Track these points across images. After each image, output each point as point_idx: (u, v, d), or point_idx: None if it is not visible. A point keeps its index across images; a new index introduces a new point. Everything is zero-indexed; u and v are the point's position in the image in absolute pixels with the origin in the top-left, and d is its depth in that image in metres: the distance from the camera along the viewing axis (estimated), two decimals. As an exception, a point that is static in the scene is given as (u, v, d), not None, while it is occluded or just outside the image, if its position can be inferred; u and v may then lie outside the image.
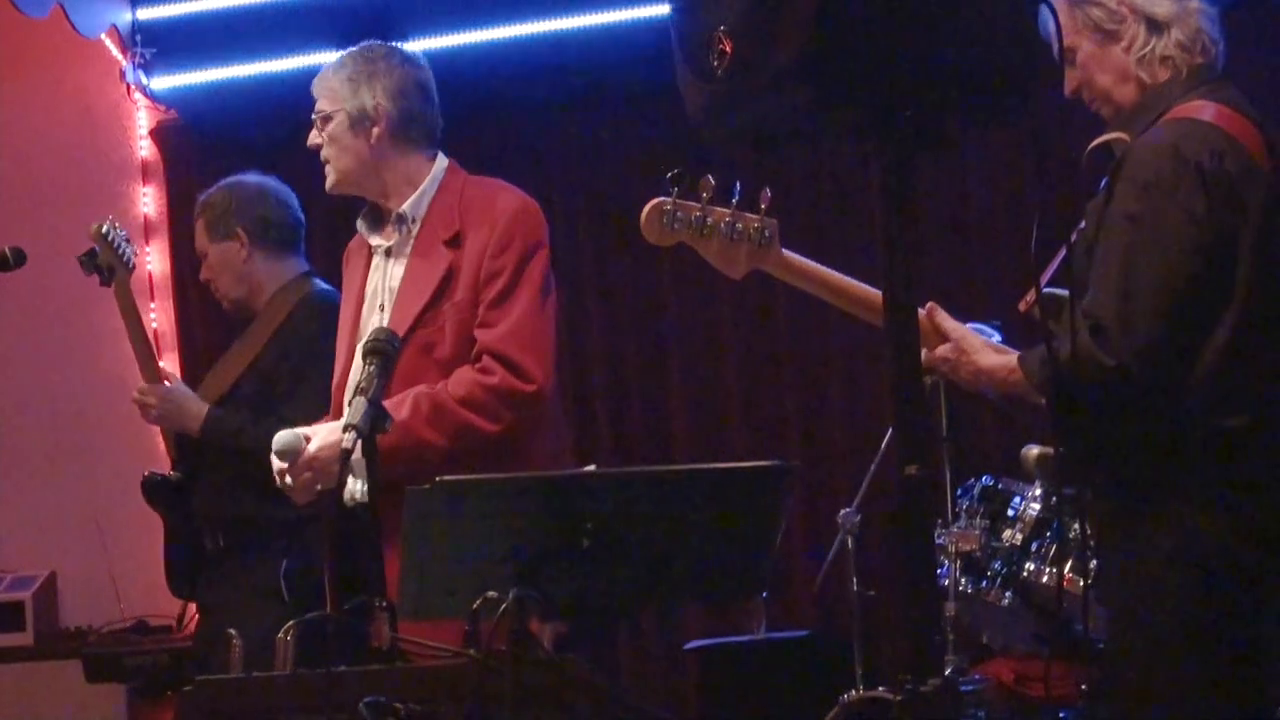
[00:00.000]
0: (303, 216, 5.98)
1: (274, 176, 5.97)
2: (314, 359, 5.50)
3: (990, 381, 4.24)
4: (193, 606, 6.06)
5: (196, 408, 5.65)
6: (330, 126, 4.99)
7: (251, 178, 5.99)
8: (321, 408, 5.13)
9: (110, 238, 5.65)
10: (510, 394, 4.74)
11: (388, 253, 5.04)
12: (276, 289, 5.82)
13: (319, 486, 4.83)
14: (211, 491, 5.64)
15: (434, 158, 5.07)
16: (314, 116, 5.06)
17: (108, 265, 5.67)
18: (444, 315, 4.83)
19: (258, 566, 5.44)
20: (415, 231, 4.96)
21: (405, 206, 4.97)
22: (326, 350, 5.35)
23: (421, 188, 4.99)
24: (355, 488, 4.79)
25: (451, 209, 4.96)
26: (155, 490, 5.73)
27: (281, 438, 4.82)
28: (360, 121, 4.97)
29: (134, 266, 5.75)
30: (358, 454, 4.63)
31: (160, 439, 5.88)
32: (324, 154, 5.02)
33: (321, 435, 4.80)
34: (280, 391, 5.59)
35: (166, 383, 5.71)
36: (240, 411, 5.62)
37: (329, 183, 5.05)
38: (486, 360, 4.76)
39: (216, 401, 5.68)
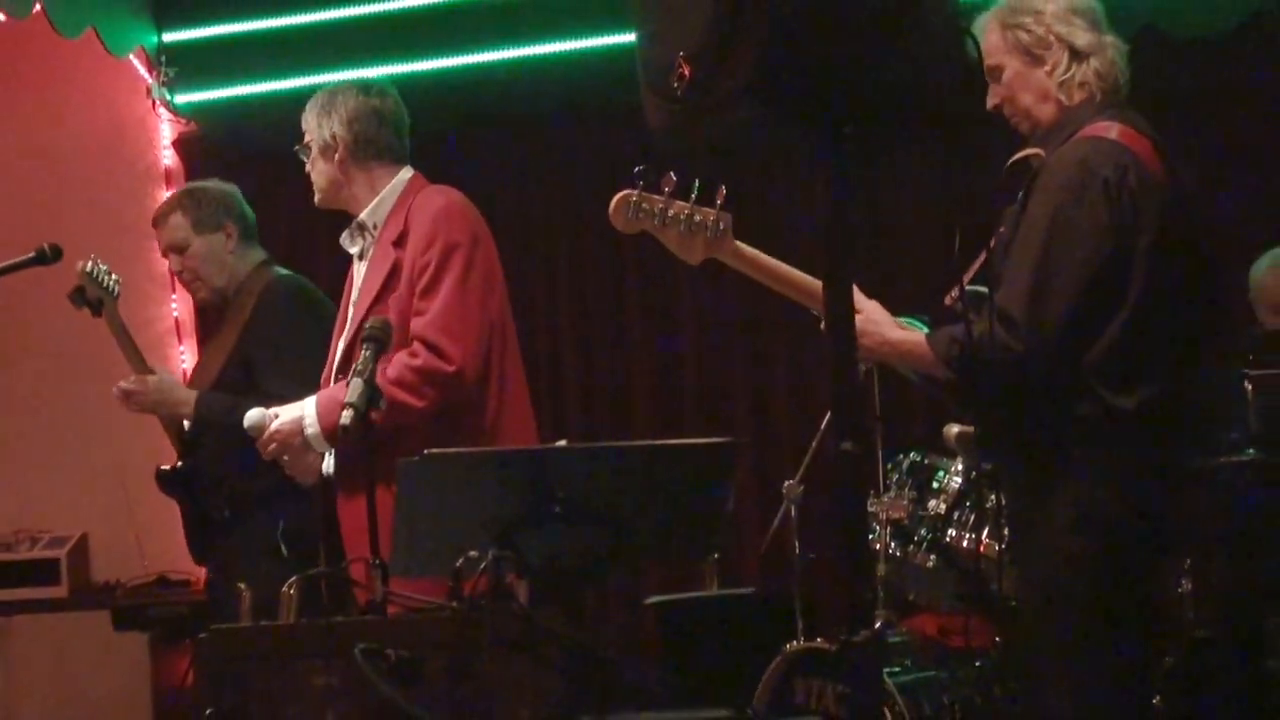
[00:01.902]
0: None
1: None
2: (286, 335, 5.55)
3: (894, 352, 4.27)
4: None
5: (185, 394, 5.65)
6: (311, 154, 5.08)
7: (216, 182, 6.02)
8: (300, 379, 5.17)
9: (95, 274, 5.61)
10: (433, 373, 4.76)
11: (360, 256, 5.11)
12: (245, 275, 5.80)
13: (285, 457, 4.93)
14: (213, 472, 5.62)
15: (397, 171, 5.11)
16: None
17: (96, 299, 5.63)
18: (388, 307, 4.86)
19: (258, 530, 5.41)
20: (376, 236, 5.01)
21: (364, 215, 5.06)
22: (296, 326, 5.49)
23: (380, 197, 5.06)
24: (327, 464, 4.85)
25: (401, 215, 5.00)
26: (166, 480, 5.73)
27: (250, 415, 4.91)
28: (326, 149, 5.08)
29: (119, 294, 5.68)
30: (314, 431, 4.77)
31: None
32: (311, 175, 5.11)
33: (284, 414, 4.92)
34: (260, 371, 5.55)
35: (153, 377, 5.66)
36: (228, 395, 5.57)
37: (315, 199, 5.15)
38: (415, 344, 4.80)
39: (208, 389, 5.65)
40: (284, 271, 5.86)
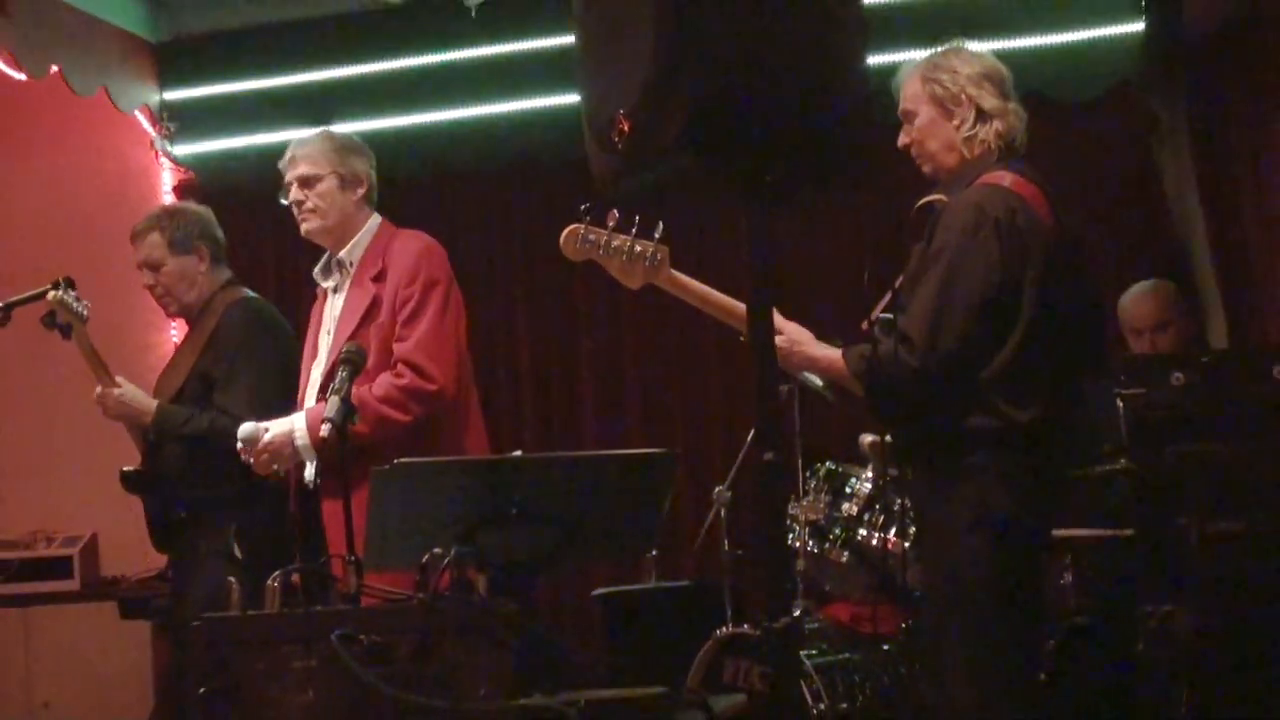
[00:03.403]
0: None
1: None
2: (242, 356, 5.46)
3: (815, 367, 4.29)
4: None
5: (147, 404, 5.53)
6: (320, 186, 5.02)
7: (193, 205, 5.92)
8: (250, 396, 5.14)
9: (65, 302, 5.46)
10: (416, 391, 4.79)
11: (335, 290, 5.10)
12: (210, 294, 5.68)
13: (275, 466, 4.92)
14: (172, 476, 5.51)
15: (370, 215, 5.14)
16: (291, 180, 5.07)
17: (65, 323, 5.48)
18: (369, 335, 4.87)
19: (211, 532, 5.34)
20: (352, 273, 4.99)
21: (344, 253, 5.06)
22: (251, 346, 5.43)
23: (357, 238, 5.05)
24: (309, 471, 4.82)
25: (378, 253, 5.02)
26: (130, 480, 5.62)
27: (244, 429, 4.90)
28: (351, 183, 5.03)
29: (88, 318, 5.51)
30: (303, 442, 4.71)
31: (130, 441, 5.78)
32: (308, 206, 5.03)
33: (275, 427, 4.92)
34: (218, 386, 5.46)
35: (119, 388, 5.56)
36: (185, 406, 5.50)
37: (308, 228, 5.11)
38: (399, 366, 4.83)
39: (170, 400, 5.56)
40: (248, 293, 5.74)
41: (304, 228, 5.09)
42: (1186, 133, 6.90)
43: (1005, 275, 4.05)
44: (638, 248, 4.28)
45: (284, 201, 5.13)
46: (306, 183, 5.05)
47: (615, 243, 4.27)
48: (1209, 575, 4.84)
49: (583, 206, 4.25)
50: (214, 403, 5.41)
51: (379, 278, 4.95)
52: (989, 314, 4.04)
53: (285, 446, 4.87)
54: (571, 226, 4.28)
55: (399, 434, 4.74)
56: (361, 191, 5.08)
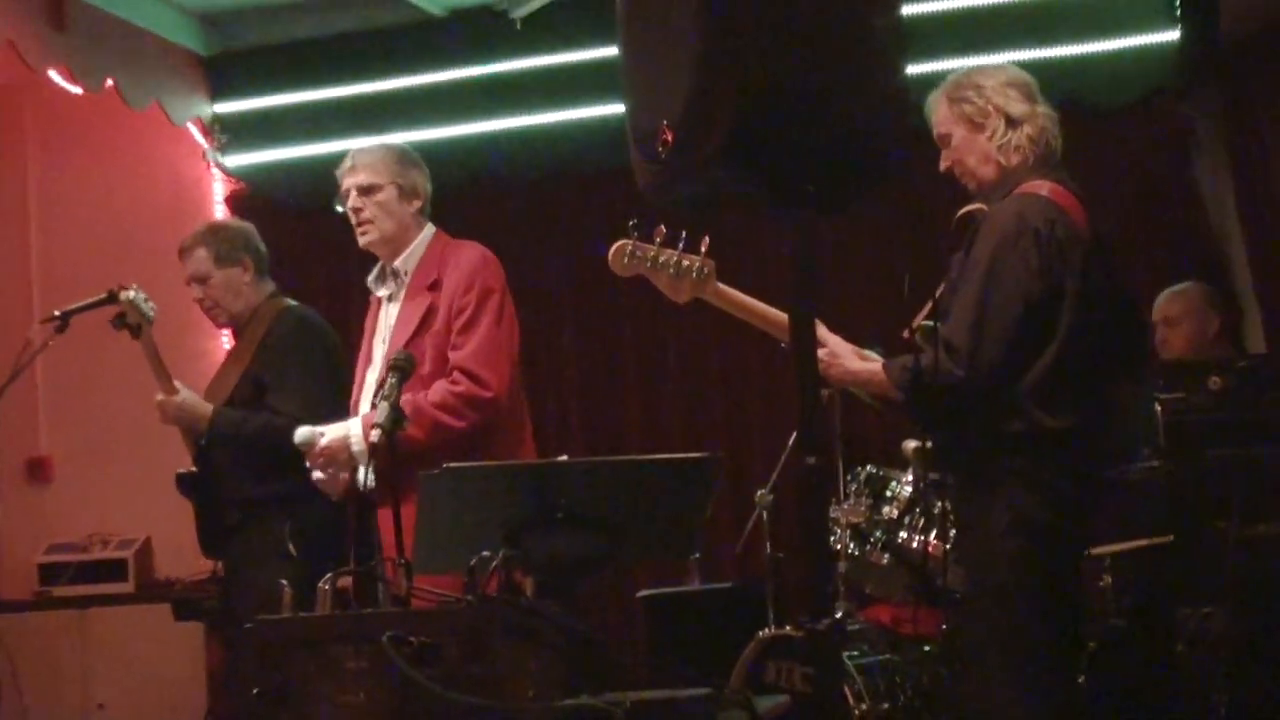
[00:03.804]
0: None
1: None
2: (292, 360, 5.52)
3: (855, 380, 4.29)
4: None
5: (204, 409, 5.58)
6: (380, 195, 5.03)
7: (236, 221, 5.98)
8: (302, 399, 5.16)
9: (135, 302, 5.50)
10: (472, 398, 4.80)
11: (389, 299, 5.11)
12: (258, 304, 5.75)
13: (330, 469, 4.92)
14: (225, 480, 5.57)
15: (425, 226, 5.15)
16: (350, 187, 5.06)
17: (135, 323, 5.51)
18: (425, 342, 4.89)
19: (265, 533, 5.38)
20: (406, 282, 5.01)
21: (399, 262, 5.06)
22: (302, 351, 5.48)
23: (412, 247, 5.05)
24: (366, 475, 4.84)
25: (433, 263, 5.03)
26: (184, 483, 5.66)
27: (300, 433, 4.91)
28: (409, 195, 5.05)
29: (154, 319, 5.56)
30: (359, 447, 4.79)
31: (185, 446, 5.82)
32: (366, 215, 5.03)
33: (331, 432, 4.92)
34: (269, 389, 5.51)
35: (178, 395, 5.62)
36: (238, 410, 5.56)
37: (367, 239, 5.08)
38: (455, 374, 4.83)
39: (221, 404, 5.61)
40: (293, 303, 5.80)
41: (363, 240, 5.10)
42: (1222, 139, 6.88)
43: (1045, 284, 4.05)
44: (685, 262, 4.27)
45: (339, 208, 5.14)
46: (366, 191, 5.05)
47: (662, 258, 4.26)
48: (1247, 578, 4.82)
49: (630, 223, 4.25)
50: (266, 405, 5.45)
51: (434, 286, 4.96)
52: (1029, 322, 4.04)
53: (341, 451, 4.89)
54: (619, 243, 4.27)
55: (454, 440, 4.75)
56: (419, 204, 5.10)
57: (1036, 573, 4.06)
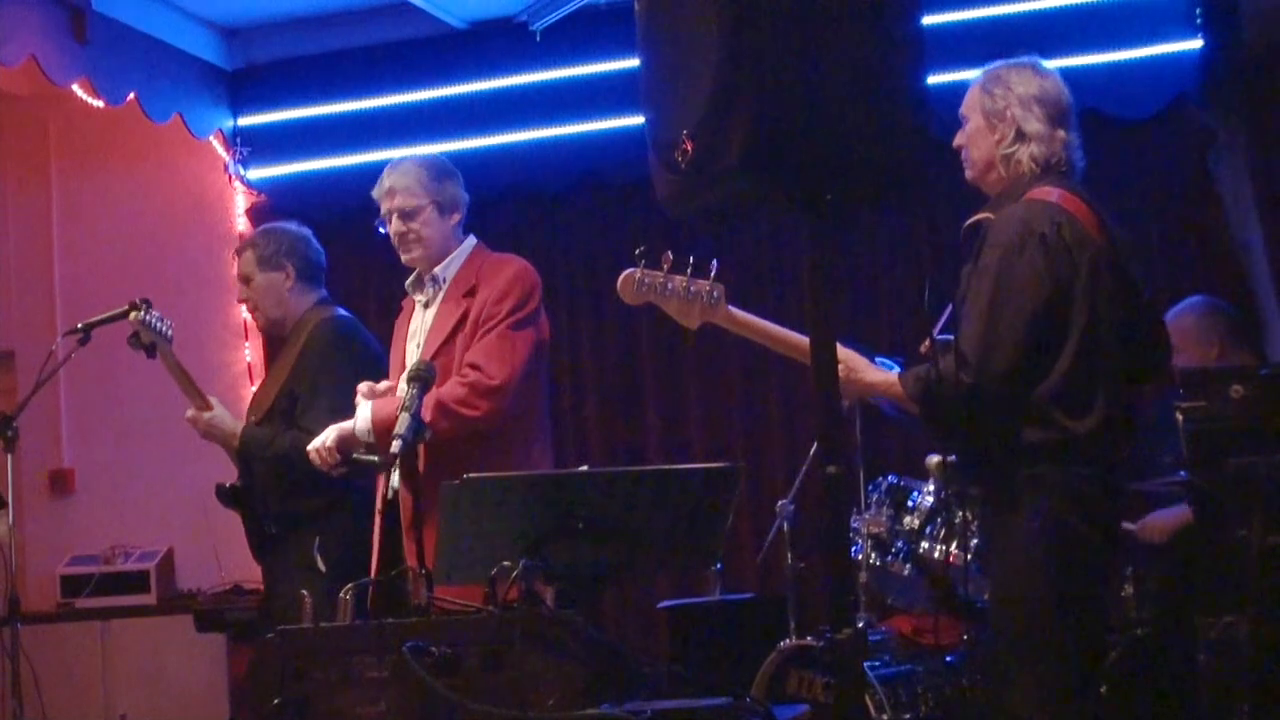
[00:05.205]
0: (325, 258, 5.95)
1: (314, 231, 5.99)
2: (328, 377, 5.51)
3: (872, 392, 4.29)
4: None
5: (234, 427, 5.63)
6: (421, 216, 5.08)
7: (293, 225, 5.97)
8: (330, 419, 5.17)
9: (148, 322, 5.51)
10: (479, 387, 4.88)
11: (425, 305, 5.16)
12: (303, 313, 5.76)
13: (339, 457, 5.04)
14: (262, 492, 5.58)
15: (466, 236, 5.21)
16: (390, 211, 5.10)
17: (149, 343, 5.54)
18: (456, 346, 4.98)
19: (297, 545, 5.42)
20: (444, 289, 5.05)
21: (438, 270, 5.11)
22: (339, 367, 5.47)
23: (452, 257, 5.10)
24: (393, 482, 4.86)
25: (472, 271, 5.10)
26: (224, 495, 5.67)
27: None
28: (449, 208, 5.10)
29: (172, 336, 5.58)
30: (365, 426, 4.90)
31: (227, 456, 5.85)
32: (411, 239, 5.09)
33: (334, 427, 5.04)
34: (301, 406, 5.53)
35: (209, 411, 5.65)
36: (271, 426, 5.57)
37: (411, 258, 5.16)
38: (465, 368, 4.92)
39: (262, 417, 5.64)
40: (339, 311, 5.80)
41: (406, 257, 5.16)
42: (1244, 147, 6.87)
43: (1053, 288, 4.04)
44: (694, 287, 4.27)
45: (382, 230, 5.18)
46: (408, 216, 5.10)
47: (671, 284, 4.26)
48: (1269, 587, 4.81)
49: (637, 250, 4.26)
50: (296, 423, 5.47)
51: (470, 293, 5.04)
52: (1040, 327, 4.03)
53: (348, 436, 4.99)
54: (626, 272, 4.27)
55: (473, 429, 4.84)
56: (458, 216, 5.17)
57: (1060, 581, 4.04)
